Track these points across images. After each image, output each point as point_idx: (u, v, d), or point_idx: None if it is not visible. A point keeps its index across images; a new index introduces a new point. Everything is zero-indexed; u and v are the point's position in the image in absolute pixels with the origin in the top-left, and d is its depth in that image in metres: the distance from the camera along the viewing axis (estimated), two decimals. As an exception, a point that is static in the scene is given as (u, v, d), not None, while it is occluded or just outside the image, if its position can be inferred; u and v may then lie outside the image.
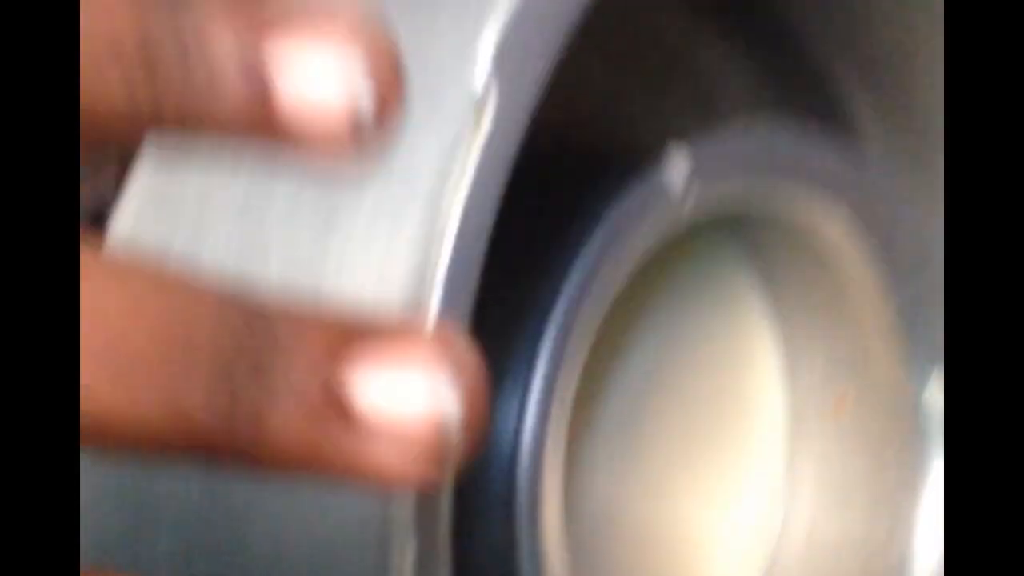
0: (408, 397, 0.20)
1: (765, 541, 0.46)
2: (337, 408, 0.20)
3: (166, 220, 0.30)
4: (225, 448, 0.20)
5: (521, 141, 0.28)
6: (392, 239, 0.27)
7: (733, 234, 0.44)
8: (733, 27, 0.42)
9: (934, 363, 0.42)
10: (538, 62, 0.27)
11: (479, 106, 0.26)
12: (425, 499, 0.27)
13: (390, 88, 0.20)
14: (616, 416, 0.44)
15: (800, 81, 0.43)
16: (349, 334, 0.20)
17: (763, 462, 0.46)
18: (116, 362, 0.19)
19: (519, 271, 0.34)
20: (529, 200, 0.35)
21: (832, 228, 0.41)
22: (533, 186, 0.36)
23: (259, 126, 0.20)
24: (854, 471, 0.44)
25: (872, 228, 0.41)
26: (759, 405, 0.46)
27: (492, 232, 0.33)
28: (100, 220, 0.33)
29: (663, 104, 0.40)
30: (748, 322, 0.45)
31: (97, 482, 0.30)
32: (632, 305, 0.43)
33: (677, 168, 0.35)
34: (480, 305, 0.33)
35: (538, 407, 0.34)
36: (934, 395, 0.43)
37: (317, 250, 0.28)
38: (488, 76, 0.26)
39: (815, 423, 0.45)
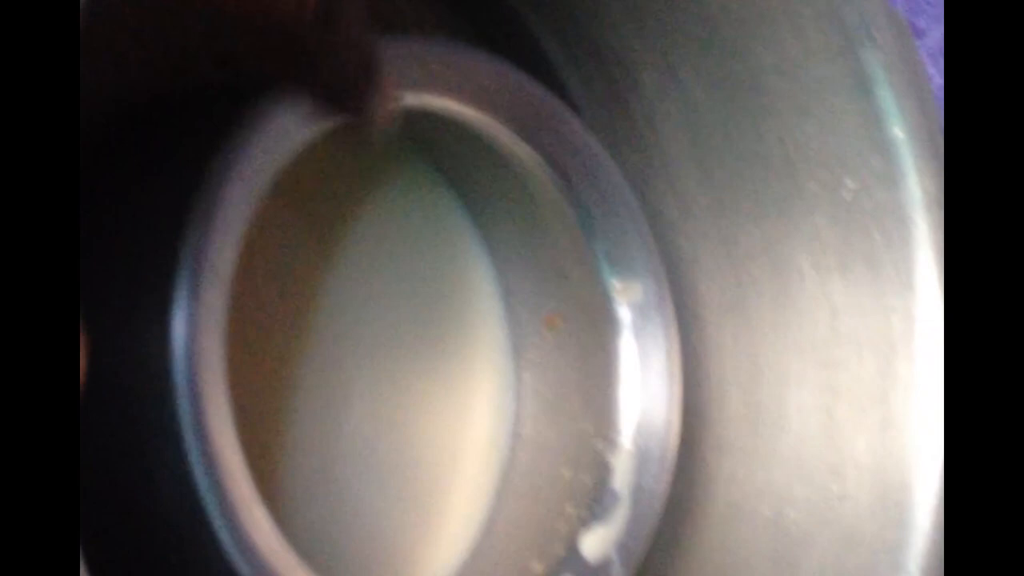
0: None
1: (497, 454, 0.48)
2: None
3: None
4: None
5: None
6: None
7: (436, 163, 0.47)
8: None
9: (615, 271, 0.46)
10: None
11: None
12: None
13: None
14: (339, 343, 0.46)
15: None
16: None
17: (490, 377, 0.48)
18: None
19: (158, 177, 0.37)
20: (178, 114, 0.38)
21: (507, 141, 0.44)
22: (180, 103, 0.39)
23: None
24: (568, 377, 0.47)
25: (537, 141, 0.44)
26: (480, 323, 0.48)
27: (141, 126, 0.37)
28: None
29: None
30: (460, 245, 0.48)
31: None
32: (344, 240, 0.46)
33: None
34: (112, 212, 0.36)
35: (186, 311, 0.36)
36: (619, 300, 0.46)
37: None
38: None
39: (533, 337, 0.48)
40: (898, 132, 0.44)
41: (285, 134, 0.38)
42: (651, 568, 0.49)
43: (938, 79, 0.72)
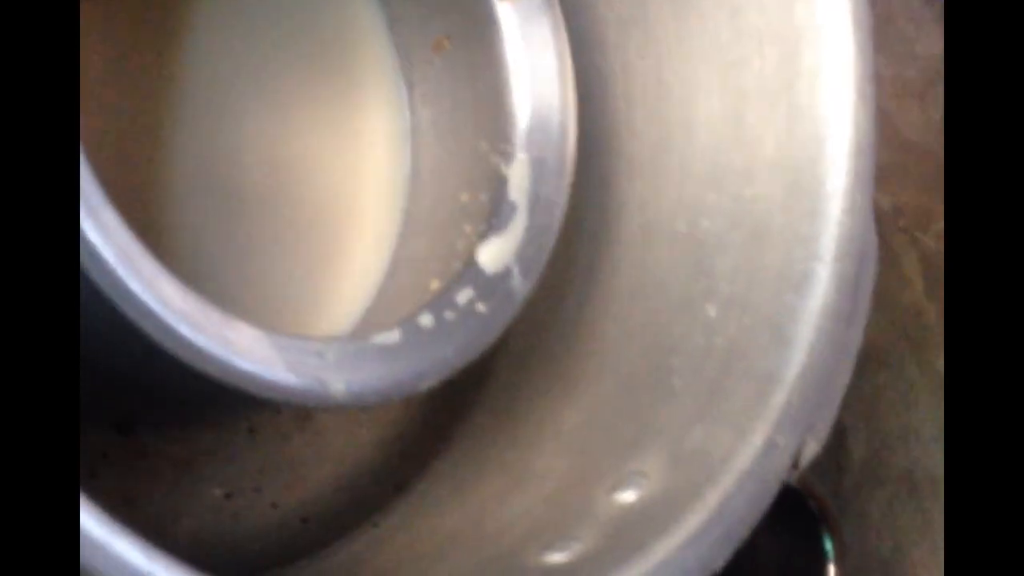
0: None
1: (396, 189, 0.46)
2: None
3: None
4: None
5: None
6: None
7: None
8: None
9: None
10: None
11: None
12: None
13: None
14: (229, 89, 0.45)
15: None
16: None
17: (384, 114, 0.47)
18: None
19: None
20: None
21: None
22: None
23: None
24: (461, 99, 0.45)
25: None
26: (369, 58, 0.47)
27: None
28: None
29: None
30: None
31: None
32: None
33: None
34: None
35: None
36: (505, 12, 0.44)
37: None
38: None
39: (423, 64, 0.46)
40: None
41: None
42: (570, 296, 0.47)
43: None
